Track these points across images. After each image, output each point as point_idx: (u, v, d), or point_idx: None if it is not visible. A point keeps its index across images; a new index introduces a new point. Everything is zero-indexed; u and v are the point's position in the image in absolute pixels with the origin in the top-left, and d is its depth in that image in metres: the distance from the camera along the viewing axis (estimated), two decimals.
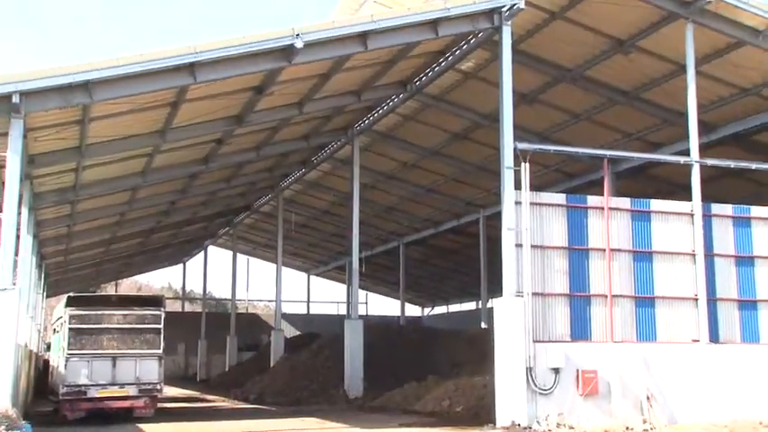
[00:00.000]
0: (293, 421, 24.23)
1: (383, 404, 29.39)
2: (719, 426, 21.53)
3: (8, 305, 16.83)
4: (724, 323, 23.66)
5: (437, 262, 58.29)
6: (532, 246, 21.66)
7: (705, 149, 25.29)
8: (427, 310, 73.54)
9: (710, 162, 24.78)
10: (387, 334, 39.36)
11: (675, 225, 23.68)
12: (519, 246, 21.49)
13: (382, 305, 70.90)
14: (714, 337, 23.31)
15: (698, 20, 24.05)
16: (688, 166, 24.23)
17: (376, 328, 37.91)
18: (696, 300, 23.30)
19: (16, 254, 19.30)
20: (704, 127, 26.24)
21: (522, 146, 21.88)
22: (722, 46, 25.20)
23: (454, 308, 68.37)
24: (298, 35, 19.74)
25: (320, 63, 22.81)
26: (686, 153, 24.56)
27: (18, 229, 19.85)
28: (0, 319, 16.64)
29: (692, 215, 23.72)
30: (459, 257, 53.73)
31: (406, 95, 29.61)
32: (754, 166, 25.89)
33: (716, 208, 24.25)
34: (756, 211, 24.81)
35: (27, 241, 25.61)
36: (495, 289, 22.36)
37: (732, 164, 25.52)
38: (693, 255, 23.51)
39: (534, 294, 21.45)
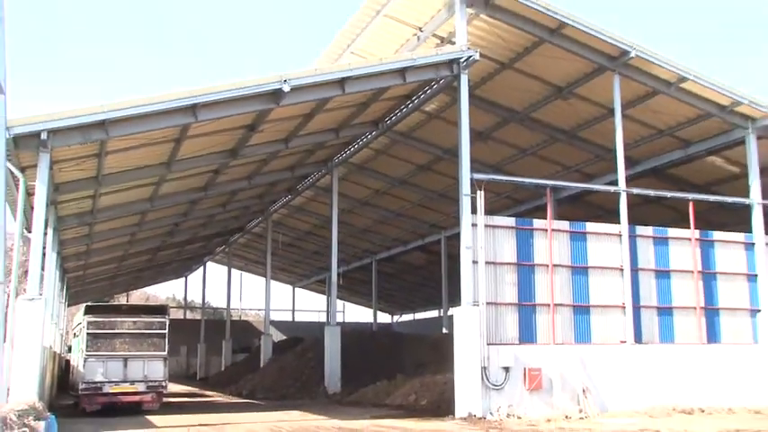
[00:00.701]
0: (280, 414, 24.15)
1: (358, 399, 29.32)
2: (641, 412, 21.92)
3: (35, 313, 16.80)
4: (646, 327, 23.96)
5: (405, 276, 58.23)
6: (486, 262, 21.82)
7: (630, 180, 25.69)
8: (396, 318, 73.30)
9: (635, 191, 25.20)
10: (361, 338, 39.20)
11: (606, 244, 23.97)
12: (475, 262, 21.65)
13: (357, 313, 70.70)
14: (638, 338, 23.63)
15: (623, 72, 24.55)
16: (617, 195, 24.54)
17: (352, 334, 37.81)
18: (623, 307, 23.60)
19: (43, 268, 19.29)
20: (629, 161, 26.60)
21: (478, 176, 22.03)
22: (642, 94, 25.71)
23: (420, 315, 68.24)
24: (285, 81, 19.82)
25: (304, 104, 22.83)
26: (615, 183, 24.89)
27: (44, 248, 19.84)
28: (28, 324, 16.66)
29: (620, 236, 24.03)
30: (424, 272, 53.69)
31: (378, 132, 29.60)
32: (669, 194, 26.49)
33: (639, 230, 24.58)
34: (672, 232, 25.27)
35: (52, 258, 25.55)
36: (455, 299, 22.48)
37: (652, 193, 26.00)
38: (621, 269, 23.82)
39: (488, 304, 21.60)
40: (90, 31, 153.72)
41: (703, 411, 22.56)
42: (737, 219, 27.00)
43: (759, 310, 25.51)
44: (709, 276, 25.27)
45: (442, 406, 23.13)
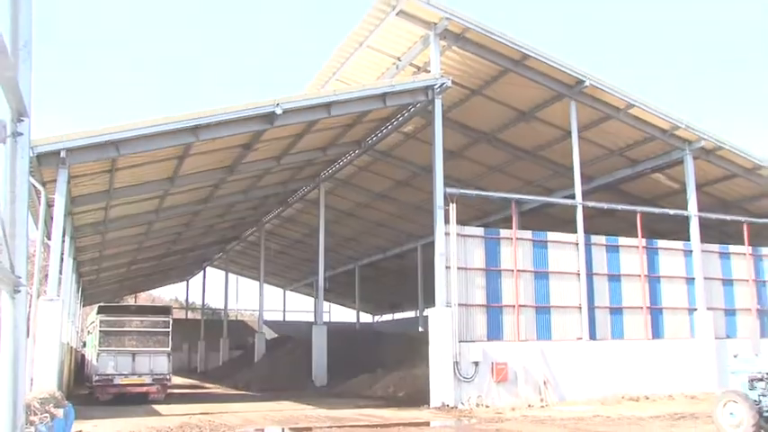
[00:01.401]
0: (272, 404, 24.13)
1: (343, 391, 29.30)
2: (595, 400, 22.14)
3: (54, 312, 16.88)
4: (599, 325, 24.22)
5: (385, 280, 58.22)
6: (458, 267, 21.96)
7: (586, 194, 25.98)
8: (377, 318, 73.25)
9: (590, 204, 25.45)
10: (345, 336, 39.17)
11: (565, 251, 24.22)
12: (448, 267, 21.77)
13: (342, 314, 70.57)
14: (593, 335, 23.86)
15: (578, 99, 24.90)
16: (574, 207, 24.84)
17: (337, 332, 37.75)
18: (580, 308, 23.84)
19: (61, 272, 19.26)
20: (585, 178, 26.88)
21: (450, 191, 22.17)
22: (596, 118, 26.05)
23: (398, 316, 68.19)
24: (278, 104, 19.94)
25: (295, 126, 22.88)
26: (573, 197, 25.17)
27: (62, 254, 19.80)
28: (48, 322, 16.73)
29: (577, 244, 24.30)
30: (402, 277, 53.75)
31: (361, 151, 29.66)
32: (619, 207, 26.77)
33: (594, 238, 24.87)
34: (622, 240, 25.59)
35: (69, 263, 25.44)
36: (430, 301, 22.52)
37: (605, 205, 26.20)
38: (578, 274, 24.08)
39: (460, 305, 21.74)
40: (97, 53, 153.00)
41: (648, 398, 22.84)
42: (678, 229, 27.37)
43: (695, 309, 25.92)
44: (653, 279, 25.64)
45: (418, 397, 23.15)
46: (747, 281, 27.43)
